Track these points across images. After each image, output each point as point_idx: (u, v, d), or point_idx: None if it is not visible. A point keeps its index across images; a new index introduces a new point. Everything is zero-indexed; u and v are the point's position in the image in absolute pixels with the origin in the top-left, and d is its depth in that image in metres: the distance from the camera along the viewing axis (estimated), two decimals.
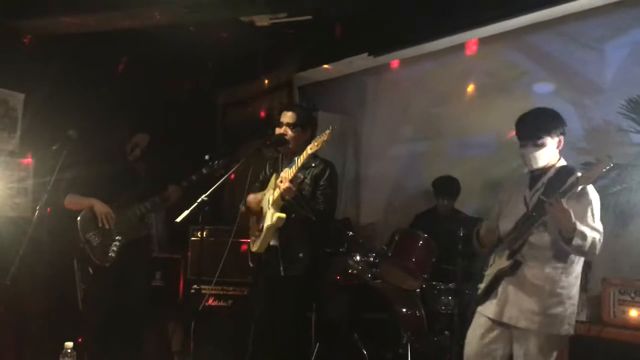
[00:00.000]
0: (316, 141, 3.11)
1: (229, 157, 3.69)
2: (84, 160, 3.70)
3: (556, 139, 2.83)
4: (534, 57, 4.45)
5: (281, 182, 3.22)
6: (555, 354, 2.82)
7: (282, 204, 3.32)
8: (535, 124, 2.83)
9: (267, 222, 3.35)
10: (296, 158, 3.30)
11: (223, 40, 5.12)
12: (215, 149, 6.05)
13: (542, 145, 2.80)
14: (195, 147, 4.09)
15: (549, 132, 2.80)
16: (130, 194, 3.84)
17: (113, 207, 3.75)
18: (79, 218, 3.73)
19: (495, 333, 2.88)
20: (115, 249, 3.68)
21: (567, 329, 2.78)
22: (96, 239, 3.70)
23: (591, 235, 2.64)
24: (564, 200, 2.60)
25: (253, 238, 3.52)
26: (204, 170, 3.67)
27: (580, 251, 2.69)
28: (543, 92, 4.30)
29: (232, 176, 3.35)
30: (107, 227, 3.71)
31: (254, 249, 3.47)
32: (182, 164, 4.27)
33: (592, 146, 3.96)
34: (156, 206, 3.87)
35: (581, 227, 2.62)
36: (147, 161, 3.98)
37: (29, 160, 4.60)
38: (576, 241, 2.61)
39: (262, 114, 5.67)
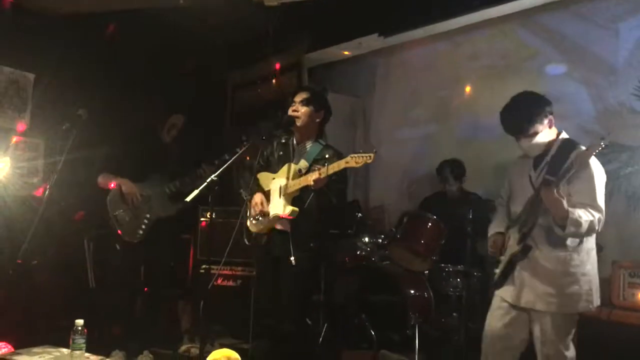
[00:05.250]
0: (357, 158, 3.05)
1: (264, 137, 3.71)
2: (119, 138, 3.76)
3: (546, 121, 2.79)
4: (547, 38, 4.39)
5: (319, 173, 3.16)
6: (573, 331, 2.84)
7: (295, 195, 3.32)
8: (518, 118, 2.79)
9: (277, 210, 3.35)
10: (317, 147, 3.32)
11: (232, 20, 5.09)
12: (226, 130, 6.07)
13: (535, 134, 2.78)
14: (206, 129, 4.12)
15: (535, 120, 2.76)
16: (161, 173, 3.90)
17: (144, 185, 3.83)
18: (108, 197, 3.84)
19: (513, 315, 2.90)
20: (144, 226, 3.77)
21: (585, 305, 2.77)
22: (126, 216, 3.79)
23: (587, 218, 2.62)
24: (563, 183, 2.58)
25: (254, 218, 3.50)
26: (238, 150, 3.71)
27: (576, 236, 2.69)
28: (555, 73, 4.25)
29: (247, 157, 3.34)
30: (133, 205, 3.78)
31: (254, 229, 3.47)
32: (205, 144, 4.30)
33: (604, 128, 3.91)
34: (186, 185, 3.90)
35: (574, 215, 2.60)
36: (181, 141, 4.03)
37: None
38: (569, 229, 2.62)
39: (272, 95, 5.64)
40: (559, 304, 2.75)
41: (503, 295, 2.93)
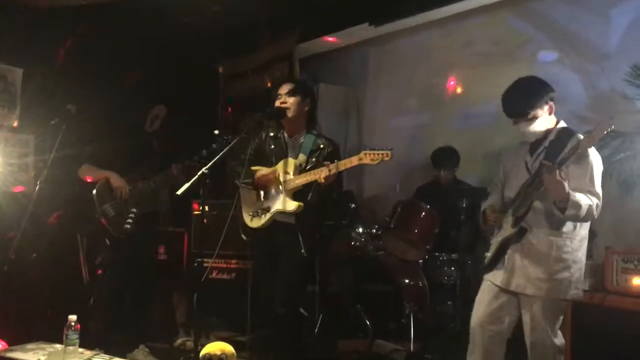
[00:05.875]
0: (373, 155, 2.99)
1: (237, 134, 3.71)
2: (103, 132, 3.72)
3: (546, 107, 2.79)
4: (539, 24, 4.38)
5: (329, 170, 3.11)
6: (561, 318, 2.85)
7: (297, 189, 3.30)
8: (520, 101, 2.79)
9: (279, 206, 3.33)
10: (310, 138, 3.34)
11: (224, 11, 5.06)
12: (218, 121, 6.04)
13: (534, 119, 2.78)
14: (197, 119, 4.08)
15: (535, 105, 2.76)
16: (145, 167, 3.87)
17: (128, 179, 3.80)
18: (94, 191, 3.79)
19: (502, 300, 2.90)
20: (131, 220, 3.74)
21: (575, 293, 2.79)
22: (112, 210, 3.77)
23: (586, 202, 2.63)
24: (563, 168, 2.59)
25: (251, 213, 3.48)
26: (214, 146, 3.70)
27: (575, 219, 2.70)
28: (547, 59, 4.25)
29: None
30: (122, 199, 3.74)
31: (254, 225, 3.45)
32: (187, 136, 4.28)
33: (597, 114, 3.91)
34: (162, 182, 3.88)
35: (575, 197, 2.60)
36: (162, 134, 4.00)
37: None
38: (569, 211, 2.62)
39: (263, 85, 5.62)
40: (549, 289, 2.76)
41: (492, 279, 2.93)
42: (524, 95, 2.79)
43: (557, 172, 2.57)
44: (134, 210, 3.76)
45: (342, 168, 3.09)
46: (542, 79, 2.85)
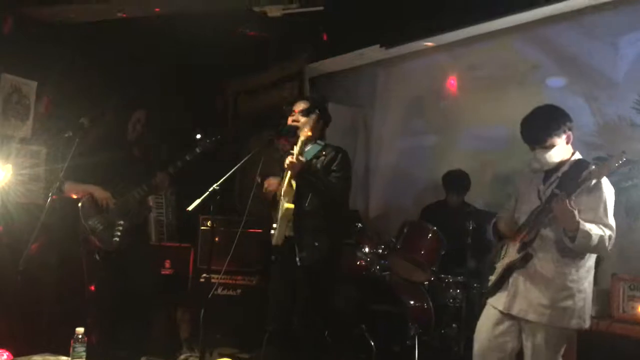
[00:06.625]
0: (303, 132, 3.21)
1: (220, 136, 3.80)
2: (87, 147, 3.69)
3: (564, 137, 2.81)
4: (548, 50, 4.42)
5: (290, 157, 3.23)
6: (563, 347, 2.83)
7: (292, 193, 3.32)
8: (539, 128, 2.81)
9: (279, 213, 3.37)
10: (315, 147, 3.42)
11: (236, 30, 5.12)
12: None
13: (551, 147, 2.79)
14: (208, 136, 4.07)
15: (554, 133, 2.78)
16: (128, 178, 3.83)
17: (113, 192, 3.76)
18: (79, 205, 3.74)
19: (504, 325, 2.89)
20: (119, 233, 3.69)
21: (578, 322, 2.77)
22: (99, 225, 3.71)
23: (597, 233, 2.62)
24: (572, 198, 2.60)
25: (272, 232, 3.49)
26: (197, 150, 3.72)
27: (586, 249, 2.69)
28: (556, 85, 4.28)
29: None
30: (107, 212, 3.73)
31: (274, 242, 3.47)
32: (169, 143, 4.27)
33: (605, 141, 3.93)
34: (146, 193, 3.87)
35: (585, 227, 2.60)
36: (144, 140, 3.96)
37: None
38: (579, 240, 2.61)
39: (273, 104, 5.67)
40: (551, 316, 2.74)
41: (495, 304, 2.92)
42: (543, 123, 2.81)
43: (567, 201, 2.58)
44: (121, 222, 3.71)
45: (297, 150, 3.24)
46: (561, 108, 2.87)
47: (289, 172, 3.32)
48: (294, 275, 3.42)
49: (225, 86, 6.28)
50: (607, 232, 2.67)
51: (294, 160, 3.22)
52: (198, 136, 3.84)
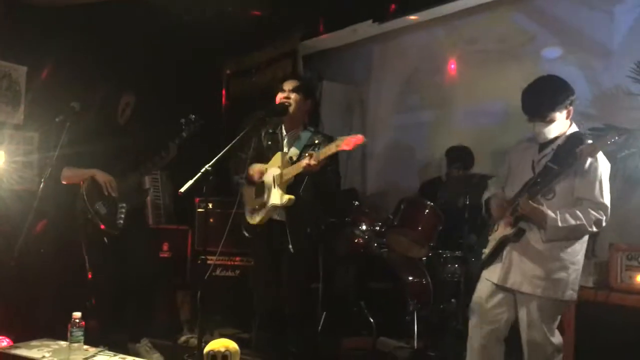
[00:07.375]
0: (347, 140, 3.01)
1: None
2: (80, 132, 3.66)
3: (565, 112, 2.76)
4: (543, 21, 4.37)
5: (310, 159, 3.14)
6: (558, 318, 2.84)
7: (289, 183, 3.31)
8: (541, 100, 2.74)
9: (274, 200, 3.34)
10: (306, 134, 3.36)
11: (228, 9, 5.06)
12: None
13: (551, 121, 2.75)
14: (202, 116, 4.03)
15: (556, 107, 2.72)
16: (125, 160, 3.82)
17: (113, 174, 3.76)
18: (83, 190, 3.72)
19: (499, 297, 2.89)
20: (122, 215, 3.71)
21: (571, 294, 2.78)
22: (104, 208, 3.72)
23: (573, 223, 2.63)
24: (538, 196, 2.65)
25: (251, 210, 3.50)
26: (191, 128, 3.76)
27: (563, 239, 2.71)
28: (551, 56, 4.25)
29: None
30: (112, 194, 3.72)
31: (253, 221, 3.46)
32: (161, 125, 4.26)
33: (601, 111, 3.91)
34: (157, 165, 3.85)
35: (556, 222, 2.62)
36: (135, 123, 3.93)
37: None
38: (549, 237, 2.67)
39: (266, 83, 5.61)
40: (545, 288, 2.75)
41: (489, 276, 2.92)
42: (546, 97, 2.74)
43: (530, 201, 2.63)
44: (124, 204, 3.71)
45: (322, 157, 3.11)
46: (565, 81, 2.79)
47: (283, 165, 3.30)
48: (278, 259, 3.43)
49: (218, 66, 6.22)
50: (594, 216, 2.65)
51: (316, 163, 3.13)
52: (192, 116, 3.82)
